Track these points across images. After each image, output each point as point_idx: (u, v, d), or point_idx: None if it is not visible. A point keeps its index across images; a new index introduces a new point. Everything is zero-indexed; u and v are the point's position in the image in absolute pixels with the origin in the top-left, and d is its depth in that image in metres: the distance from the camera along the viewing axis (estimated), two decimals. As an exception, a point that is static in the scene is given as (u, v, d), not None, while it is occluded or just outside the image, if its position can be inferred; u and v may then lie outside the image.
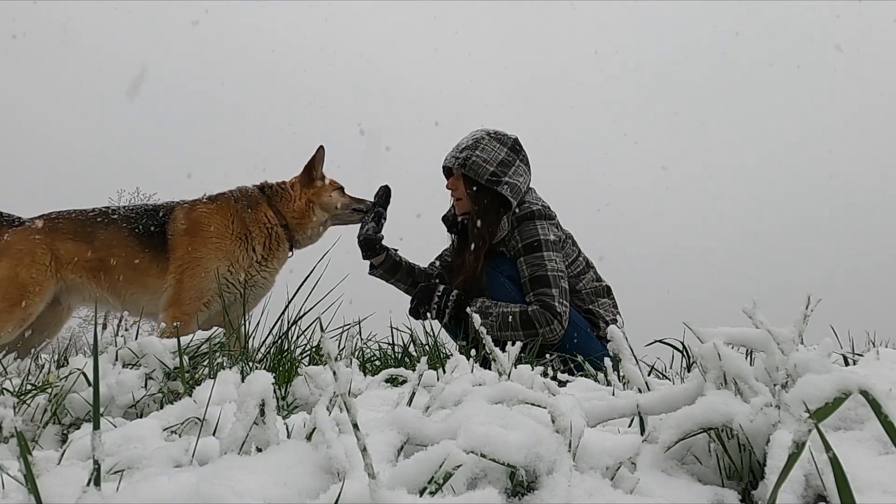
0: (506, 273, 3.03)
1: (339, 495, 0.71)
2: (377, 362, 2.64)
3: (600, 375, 2.00)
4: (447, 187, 3.18)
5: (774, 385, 0.96)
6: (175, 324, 2.81)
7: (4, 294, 2.91)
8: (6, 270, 2.97)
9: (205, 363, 1.86)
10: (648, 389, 1.22)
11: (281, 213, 3.34)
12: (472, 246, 3.05)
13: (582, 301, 3.14)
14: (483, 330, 1.35)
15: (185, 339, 1.76)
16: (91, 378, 1.47)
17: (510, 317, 2.88)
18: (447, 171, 3.21)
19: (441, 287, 3.03)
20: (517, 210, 3.01)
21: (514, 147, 3.11)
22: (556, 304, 2.86)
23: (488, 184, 2.98)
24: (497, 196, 3.01)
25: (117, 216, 3.21)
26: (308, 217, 3.38)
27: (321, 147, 3.50)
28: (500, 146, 3.07)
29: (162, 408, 1.47)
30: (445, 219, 3.33)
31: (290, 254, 3.45)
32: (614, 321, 3.11)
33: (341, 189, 3.58)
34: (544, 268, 2.91)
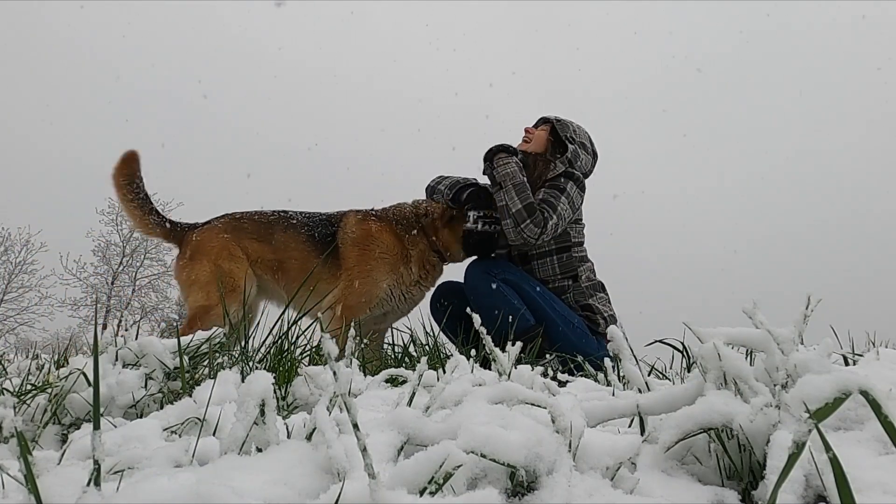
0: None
1: (339, 495, 0.71)
2: (377, 362, 2.64)
3: (600, 375, 2.00)
4: (526, 129, 3.63)
5: (774, 385, 0.96)
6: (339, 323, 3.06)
7: (220, 283, 3.09)
8: (209, 265, 3.17)
9: (205, 363, 1.86)
10: (648, 389, 1.23)
11: (432, 241, 3.45)
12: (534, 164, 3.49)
13: (582, 295, 3.20)
14: (483, 330, 1.35)
15: (185, 340, 1.76)
16: (91, 378, 1.47)
17: (527, 191, 3.18)
18: (539, 123, 3.65)
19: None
20: (570, 167, 3.39)
21: (595, 153, 3.59)
22: (550, 224, 3.15)
23: (565, 139, 3.47)
24: (562, 152, 3.44)
25: (296, 221, 3.38)
26: (451, 249, 3.45)
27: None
28: (590, 141, 3.57)
29: (162, 408, 1.47)
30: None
31: (445, 264, 3.56)
32: (612, 317, 3.18)
33: None
34: (557, 203, 3.22)
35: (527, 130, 3.60)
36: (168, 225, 3.41)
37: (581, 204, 3.34)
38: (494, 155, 3.32)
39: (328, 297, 3.17)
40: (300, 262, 3.26)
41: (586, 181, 3.55)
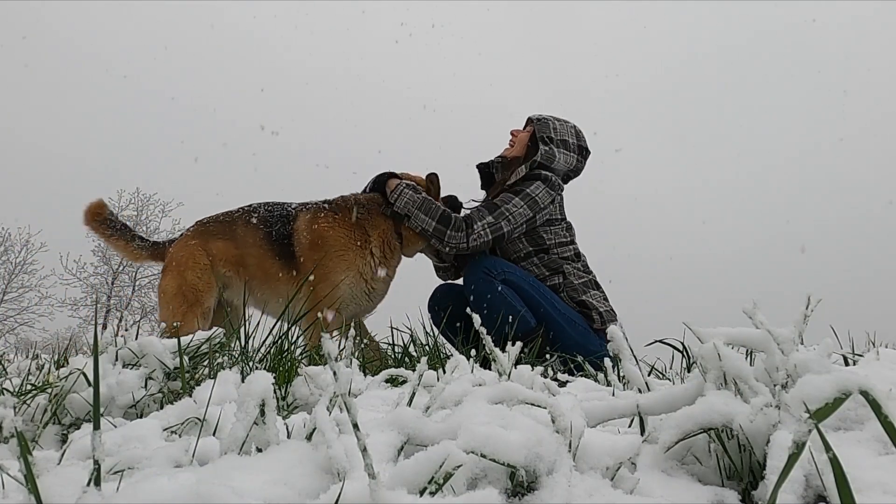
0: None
1: (339, 495, 0.71)
2: (377, 362, 2.64)
3: (600, 375, 2.00)
4: (511, 132, 3.56)
5: (774, 385, 0.96)
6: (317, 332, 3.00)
7: (183, 297, 3.16)
8: (177, 277, 3.22)
9: (205, 363, 1.86)
10: (648, 389, 1.22)
11: (398, 224, 3.33)
12: (503, 170, 3.49)
13: (575, 292, 3.18)
14: (483, 330, 1.35)
15: (185, 340, 1.76)
16: (91, 378, 1.47)
17: (433, 206, 3.15)
18: (526, 125, 3.58)
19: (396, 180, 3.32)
20: (536, 168, 3.31)
21: (582, 148, 3.45)
22: (479, 224, 3.11)
23: (540, 140, 3.36)
24: (536, 152, 3.34)
25: (257, 216, 3.34)
26: (407, 240, 3.35)
27: (431, 175, 3.44)
28: (575, 137, 3.44)
29: (162, 408, 1.47)
30: (479, 166, 3.65)
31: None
32: (608, 311, 3.16)
33: None
34: (504, 204, 3.16)
35: (512, 133, 3.55)
36: (151, 244, 3.47)
37: (551, 203, 3.23)
38: (386, 191, 3.26)
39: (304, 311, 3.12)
40: (257, 259, 3.24)
41: (577, 177, 3.49)
